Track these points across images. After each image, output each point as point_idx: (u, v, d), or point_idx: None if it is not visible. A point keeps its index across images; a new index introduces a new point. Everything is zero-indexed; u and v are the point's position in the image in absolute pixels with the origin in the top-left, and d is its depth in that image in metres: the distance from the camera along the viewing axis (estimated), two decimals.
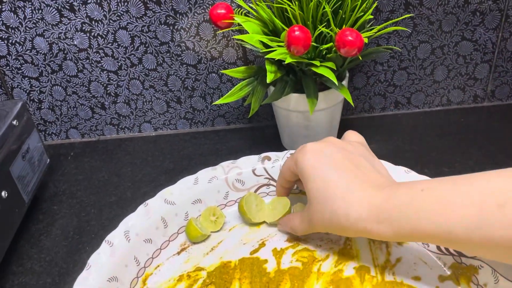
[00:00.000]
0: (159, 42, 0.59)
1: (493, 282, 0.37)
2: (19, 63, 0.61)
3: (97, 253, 0.41)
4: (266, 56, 0.44)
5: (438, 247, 0.43)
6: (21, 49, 0.60)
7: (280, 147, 0.60)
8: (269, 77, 0.45)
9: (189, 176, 0.50)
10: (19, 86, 0.63)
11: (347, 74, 0.55)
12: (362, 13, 0.45)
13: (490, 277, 0.38)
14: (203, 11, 0.57)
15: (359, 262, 0.43)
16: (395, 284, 0.40)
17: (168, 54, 0.60)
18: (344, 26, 0.45)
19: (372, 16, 0.46)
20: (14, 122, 0.50)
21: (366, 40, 0.43)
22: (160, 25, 0.58)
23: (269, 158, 0.51)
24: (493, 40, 0.60)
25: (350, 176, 0.38)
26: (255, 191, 0.51)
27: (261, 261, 0.44)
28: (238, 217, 0.49)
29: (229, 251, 0.45)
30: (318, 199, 0.38)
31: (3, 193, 0.46)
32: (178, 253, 0.46)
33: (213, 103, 0.50)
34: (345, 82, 0.53)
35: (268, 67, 0.46)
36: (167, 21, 0.58)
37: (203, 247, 0.46)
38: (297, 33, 0.42)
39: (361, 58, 0.46)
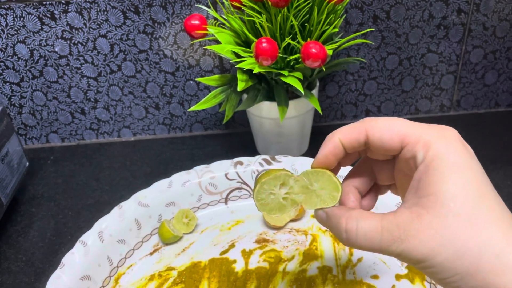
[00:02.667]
0: (138, 50, 0.61)
1: None
2: (0, 68, 0.62)
3: (71, 253, 0.43)
4: (237, 66, 0.47)
5: None
6: (3, 55, 0.61)
7: (255, 153, 0.62)
8: (240, 86, 0.47)
9: (163, 179, 0.51)
10: (0, 91, 0.64)
11: (318, 84, 0.57)
12: (328, 26, 0.48)
13: None
14: (180, 21, 0.59)
15: (322, 262, 0.45)
16: (355, 282, 0.43)
17: (146, 62, 0.62)
18: (309, 38, 0.47)
19: (337, 30, 0.48)
20: None
21: (330, 52, 0.46)
22: (139, 34, 0.60)
23: (241, 163, 0.53)
24: (457, 53, 0.63)
25: (499, 203, 0.26)
26: (227, 195, 0.53)
27: (230, 262, 0.46)
28: (211, 219, 0.51)
29: (200, 252, 0.47)
30: (453, 213, 0.25)
31: None
32: (151, 253, 0.47)
33: (189, 109, 0.52)
34: (315, 91, 0.56)
35: (240, 76, 0.48)
36: (146, 30, 0.60)
37: (175, 248, 0.48)
38: (264, 44, 0.44)
39: (324, 70, 0.49)
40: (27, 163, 0.59)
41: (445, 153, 0.26)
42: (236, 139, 0.67)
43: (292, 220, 0.50)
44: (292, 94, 0.55)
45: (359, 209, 0.29)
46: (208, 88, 0.64)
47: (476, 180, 0.25)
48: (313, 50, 0.43)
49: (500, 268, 0.24)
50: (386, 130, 0.28)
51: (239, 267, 0.45)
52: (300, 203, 0.31)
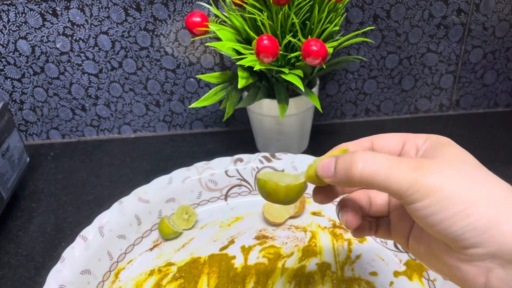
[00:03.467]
0: (139, 47, 0.62)
1: (442, 278, 0.40)
2: (2, 64, 0.62)
3: (71, 247, 0.43)
4: (237, 63, 0.47)
5: (395, 244, 0.45)
6: (4, 51, 0.61)
7: (254, 150, 0.62)
8: (241, 83, 0.48)
9: (163, 175, 0.52)
10: (2, 87, 0.64)
11: (318, 82, 0.57)
12: (329, 25, 0.48)
13: None
14: (181, 18, 0.59)
15: (321, 258, 0.45)
16: (353, 279, 0.43)
17: (147, 59, 0.62)
18: (309, 36, 0.47)
19: (338, 28, 0.49)
20: None
21: (330, 50, 0.46)
22: (140, 31, 0.60)
23: (241, 160, 0.54)
24: (456, 52, 0.63)
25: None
26: (227, 192, 0.53)
27: (229, 257, 0.46)
28: (210, 215, 0.51)
29: (200, 248, 0.47)
30: (463, 160, 0.27)
31: None
32: (151, 249, 0.48)
33: (189, 106, 0.52)
34: (315, 89, 0.56)
35: (240, 73, 0.49)
36: (147, 27, 0.60)
37: (175, 244, 0.48)
38: (265, 42, 0.44)
39: (325, 67, 0.49)
40: (28, 159, 0.59)
41: (443, 141, 0.29)
42: (236, 136, 0.67)
43: (291, 217, 0.50)
44: (293, 92, 0.55)
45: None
46: (209, 86, 0.65)
47: (473, 159, 0.27)
48: (314, 48, 0.44)
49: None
50: (389, 136, 0.32)
51: (238, 263, 0.45)
52: (300, 179, 0.32)
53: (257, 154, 0.54)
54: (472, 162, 0.27)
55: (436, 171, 0.25)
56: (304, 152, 0.61)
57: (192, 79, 0.64)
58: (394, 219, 0.32)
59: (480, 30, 0.62)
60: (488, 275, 0.24)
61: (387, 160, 0.26)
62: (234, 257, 0.46)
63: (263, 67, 0.46)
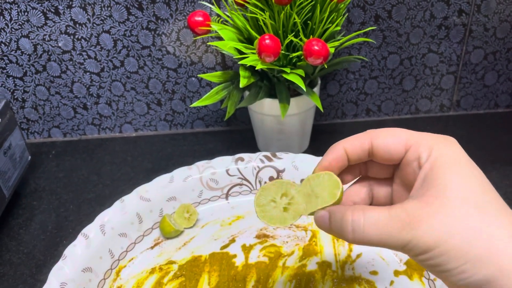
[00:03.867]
0: (141, 46, 0.62)
1: None
2: (4, 63, 0.63)
3: (73, 245, 0.43)
4: (239, 62, 0.47)
5: None
6: (6, 49, 0.62)
7: (255, 150, 0.63)
8: (242, 82, 0.48)
9: (165, 174, 0.52)
10: (4, 85, 0.64)
11: (319, 82, 0.58)
12: (330, 25, 0.48)
13: None
14: (183, 17, 0.60)
15: (322, 257, 0.45)
16: (353, 278, 0.43)
17: (149, 58, 0.63)
18: (311, 36, 0.48)
19: (339, 28, 0.49)
20: None
21: (332, 50, 0.46)
22: (142, 30, 0.60)
23: (242, 159, 0.54)
24: (457, 53, 0.63)
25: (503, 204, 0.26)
26: (228, 191, 0.53)
27: (230, 256, 0.46)
28: (211, 214, 0.52)
29: (201, 246, 0.48)
30: (465, 197, 0.25)
31: None
32: (152, 247, 0.48)
33: (191, 105, 0.52)
34: (316, 89, 0.56)
35: (242, 72, 0.49)
36: (149, 26, 0.60)
37: (176, 242, 0.48)
38: (267, 41, 0.44)
39: (326, 67, 0.49)
40: (29, 157, 0.59)
41: (447, 153, 0.27)
42: (237, 136, 0.67)
43: None
44: (294, 91, 0.56)
45: (360, 206, 0.28)
46: (210, 85, 0.65)
47: (479, 175, 0.27)
48: (316, 47, 0.44)
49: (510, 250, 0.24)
50: (390, 136, 0.29)
51: (239, 261, 0.45)
52: (302, 214, 0.30)
53: (258, 153, 0.54)
54: (475, 196, 0.25)
55: (430, 228, 0.24)
56: (305, 152, 0.61)
57: (193, 79, 0.64)
58: None
59: (481, 31, 0.62)
60: None
61: (377, 221, 0.26)
62: (235, 256, 0.46)
63: (265, 67, 0.46)
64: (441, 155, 0.27)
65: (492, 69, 0.65)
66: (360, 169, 0.33)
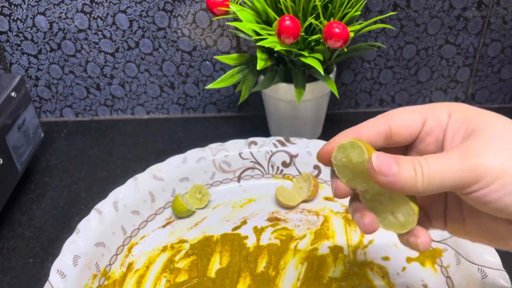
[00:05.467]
0: (157, 28, 0.61)
1: (456, 264, 0.40)
2: (19, 39, 0.62)
3: (86, 219, 0.43)
4: (257, 44, 0.47)
5: None
6: (22, 26, 0.62)
7: (267, 136, 0.62)
8: (260, 64, 0.48)
9: (178, 155, 0.52)
10: (18, 62, 0.64)
11: (335, 68, 0.57)
12: (350, 9, 0.48)
13: (453, 258, 0.40)
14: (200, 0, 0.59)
15: (334, 242, 0.45)
16: (365, 263, 0.43)
17: (164, 40, 0.62)
18: (332, 19, 0.47)
19: (359, 13, 0.48)
20: (13, 94, 0.52)
21: (352, 34, 0.46)
22: (158, 11, 0.60)
23: (255, 143, 0.54)
24: (475, 45, 0.63)
25: None
26: (240, 174, 0.53)
27: (241, 237, 0.46)
28: (223, 196, 0.51)
29: (212, 227, 0.48)
30: (510, 134, 0.25)
31: None
32: (163, 226, 0.48)
33: (205, 87, 0.52)
34: (332, 76, 0.56)
35: (259, 54, 0.48)
36: (165, 7, 0.60)
37: (188, 222, 0.48)
38: (287, 22, 0.44)
39: (346, 50, 0.49)
40: (42, 134, 0.59)
41: (466, 109, 0.27)
42: (248, 122, 0.67)
43: (304, 201, 0.50)
44: (309, 77, 0.55)
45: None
46: (224, 70, 0.65)
47: (500, 115, 0.26)
48: (336, 30, 0.43)
49: None
50: (405, 112, 0.29)
51: (250, 242, 0.45)
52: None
53: (271, 137, 0.54)
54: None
55: (490, 153, 0.24)
56: (318, 139, 0.61)
57: (207, 62, 0.64)
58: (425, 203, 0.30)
59: (499, 23, 0.61)
60: None
61: (440, 163, 0.24)
62: (246, 237, 0.46)
63: (284, 48, 0.46)
64: (463, 112, 0.27)
65: (508, 63, 0.64)
66: None
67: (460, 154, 0.24)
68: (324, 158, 0.29)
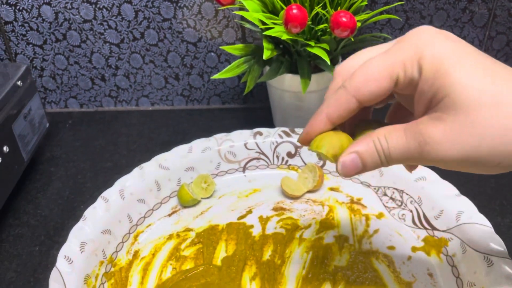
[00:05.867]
0: (162, 18, 0.61)
1: (461, 253, 0.40)
2: (24, 29, 0.63)
3: (93, 207, 0.43)
4: (264, 33, 0.47)
5: (414, 221, 0.45)
6: (28, 16, 0.62)
7: (271, 128, 0.62)
8: (266, 54, 0.48)
9: (184, 144, 0.52)
10: (23, 53, 0.64)
11: (340, 59, 0.57)
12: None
13: (458, 248, 0.41)
14: None
15: (339, 231, 0.45)
16: (371, 252, 0.43)
17: (169, 31, 0.62)
18: (339, 9, 0.47)
19: (366, 2, 0.48)
20: (19, 83, 0.52)
21: (358, 24, 0.46)
22: (164, 1, 0.60)
23: (261, 134, 0.54)
24: (480, 38, 0.63)
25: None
26: (245, 164, 0.53)
27: (247, 226, 0.46)
28: (228, 186, 0.52)
29: (218, 216, 0.48)
30: (474, 102, 0.24)
31: (4, 148, 0.48)
32: (169, 215, 0.48)
33: (211, 77, 0.52)
34: None
35: (266, 44, 0.48)
36: None
37: (193, 211, 0.48)
38: (294, 11, 0.44)
39: (352, 39, 0.49)
40: (47, 124, 0.59)
41: (433, 56, 0.25)
42: (253, 114, 0.67)
43: (309, 191, 0.50)
44: (315, 68, 0.55)
45: (382, 127, 0.27)
46: (229, 61, 0.65)
47: (479, 57, 0.26)
48: (343, 19, 0.43)
49: None
50: (372, 80, 0.26)
51: (256, 231, 0.46)
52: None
53: (276, 128, 0.54)
54: (477, 67, 0.24)
55: (452, 144, 0.24)
56: None
57: (212, 54, 0.64)
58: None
59: (505, 16, 0.61)
60: None
61: (398, 144, 0.26)
62: (252, 226, 0.46)
63: (291, 37, 0.46)
64: (434, 64, 0.25)
65: None
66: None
67: (419, 145, 0.25)
68: (304, 144, 0.31)
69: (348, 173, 0.28)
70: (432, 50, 0.25)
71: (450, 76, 0.24)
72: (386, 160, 0.26)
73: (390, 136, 0.26)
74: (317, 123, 0.28)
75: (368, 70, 0.26)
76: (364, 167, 0.27)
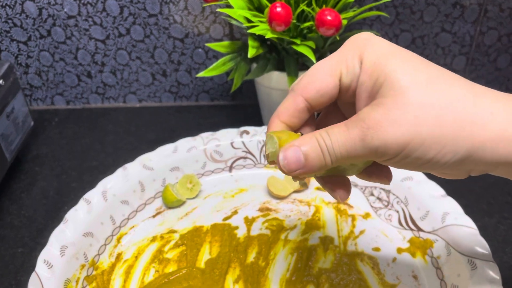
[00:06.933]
0: (148, 14, 0.60)
1: (446, 255, 0.40)
2: (8, 26, 0.61)
3: (74, 209, 0.43)
4: (248, 31, 0.46)
5: (400, 222, 0.45)
6: (11, 12, 0.60)
7: (260, 125, 0.61)
8: (251, 52, 0.47)
9: (169, 144, 0.51)
10: (7, 49, 0.63)
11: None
12: None
13: (443, 250, 0.40)
14: None
15: (324, 232, 0.45)
16: (356, 253, 0.43)
17: (156, 27, 0.61)
18: (325, 6, 0.46)
19: (352, 0, 0.47)
20: (1, 82, 0.51)
21: (345, 22, 0.45)
22: None
23: (247, 132, 0.53)
24: (471, 34, 0.62)
25: (452, 75, 0.26)
26: (232, 164, 0.53)
27: (232, 228, 0.46)
28: (214, 186, 0.51)
29: (203, 217, 0.47)
30: (410, 83, 0.24)
31: None
32: (153, 216, 0.47)
33: (197, 75, 0.52)
34: None
35: (251, 42, 0.48)
36: None
37: (178, 212, 0.48)
38: (278, 9, 0.43)
39: (338, 38, 0.48)
40: (32, 123, 0.58)
41: (372, 51, 0.26)
42: (242, 110, 0.66)
43: (295, 191, 0.50)
44: (302, 65, 0.54)
45: (322, 130, 0.27)
46: (217, 57, 0.64)
47: (412, 55, 0.26)
48: (328, 18, 0.42)
49: (482, 118, 0.24)
50: (317, 79, 0.27)
51: (241, 233, 0.45)
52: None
53: (263, 127, 0.54)
54: (422, 76, 0.25)
55: (394, 127, 0.24)
56: None
57: (200, 50, 0.63)
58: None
59: (496, 11, 0.60)
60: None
61: (341, 137, 0.25)
62: (237, 228, 0.46)
63: (275, 36, 0.45)
64: (372, 54, 0.26)
65: (505, 52, 0.63)
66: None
67: (361, 130, 0.25)
68: None
69: (290, 167, 0.26)
70: (372, 47, 0.26)
71: (388, 65, 0.25)
72: (329, 156, 0.26)
73: (332, 131, 0.26)
74: (273, 126, 0.29)
75: (313, 71, 0.28)
76: (306, 163, 0.26)
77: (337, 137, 0.25)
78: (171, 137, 0.61)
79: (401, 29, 0.61)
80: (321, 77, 0.27)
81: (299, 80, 0.28)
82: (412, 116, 0.24)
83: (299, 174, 0.26)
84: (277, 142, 0.27)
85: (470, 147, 0.24)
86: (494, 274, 0.35)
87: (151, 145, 0.59)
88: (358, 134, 0.25)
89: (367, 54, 0.26)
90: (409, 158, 0.25)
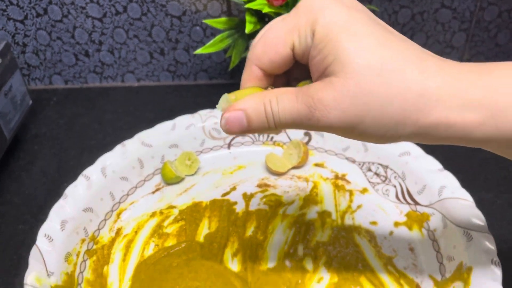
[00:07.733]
0: None
1: (442, 227, 0.40)
2: (4, 4, 0.61)
3: (74, 185, 0.43)
4: (246, 6, 0.46)
5: (397, 196, 0.45)
6: None
7: None
8: (248, 27, 0.46)
9: (167, 121, 0.51)
10: (4, 28, 0.63)
11: None
12: None
13: (440, 222, 0.41)
14: None
15: (322, 207, 0.45)
16: (353, 227, 0.43)
17: (153, 4, 0.61)
18: None
19: None
20: None
21: None
22: None
23: None
24: (471, 9, 0.61)
25: (406, 42, 0.26)
26: (230, 141, 0.53)
27: (231, 203, 0.46)
28: (213, 163, 0.51)
29: (201, 193, 0.48)
30: (362, 67, 0.24)
31: None
32: (153, 192, 0.48)
33: (194, 52, 0.51)
34: None
35: (248, 17, 0.47)
36: None
37: (177, 188, 0.48)
38: None
39: None
40: (30, 102, 0.58)
41: (325, 23, 0.25)
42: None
43: (294, 167, 0.50)
44: None
45: (268, 91, 0.27)
46: (215, 35, 0.63)
47: (367, 28, 0.25)
48: None
49: (427, 105, 0.24)
50: (271, 48, 0.27)
51: (239, 208, 0.46)
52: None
53: None
54: (368, 35, 0.24)
55: (341, 109, 0.24)
56: None
57: (198, 27, 0.63)
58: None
59: None
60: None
61: (288, 106, 0.26)
62: (235, 203, 0.46)
63: (272, 10, 0.45)
64: (324, 27, 0.25)
65: (505, 28, 0.63)
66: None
67: (309, 108, 0.25)
68: None
69: (231, 130, 0.27)
70: (325, 16, 0.25)
71: (339, 41, 0.24)
72: (274, 122, 0.26)
73: (282, 98, 0.26)
74: (242, 83, 0.30)
75: (266, 39, 0.27)
76: (249, 127, 0.27)
77: (285, 105, 0.26)
78: (170, 116, 0.60)
79: (401, 5, 0.61)
80: (274, 47, 0.27)
81: (254, 45, 0.28)
82: (361, 105, 0.24)
83: (241, 134, 0.28)
84: (230, 101, 0.27)
85: (412, 131, 0.25)
86: (489, 244, 0.36)
87: (150, 125, 0.58)
88: (305, 110, 0.25)
89: (320, 26, 0.25)
90: (351, 136, 0.26)
